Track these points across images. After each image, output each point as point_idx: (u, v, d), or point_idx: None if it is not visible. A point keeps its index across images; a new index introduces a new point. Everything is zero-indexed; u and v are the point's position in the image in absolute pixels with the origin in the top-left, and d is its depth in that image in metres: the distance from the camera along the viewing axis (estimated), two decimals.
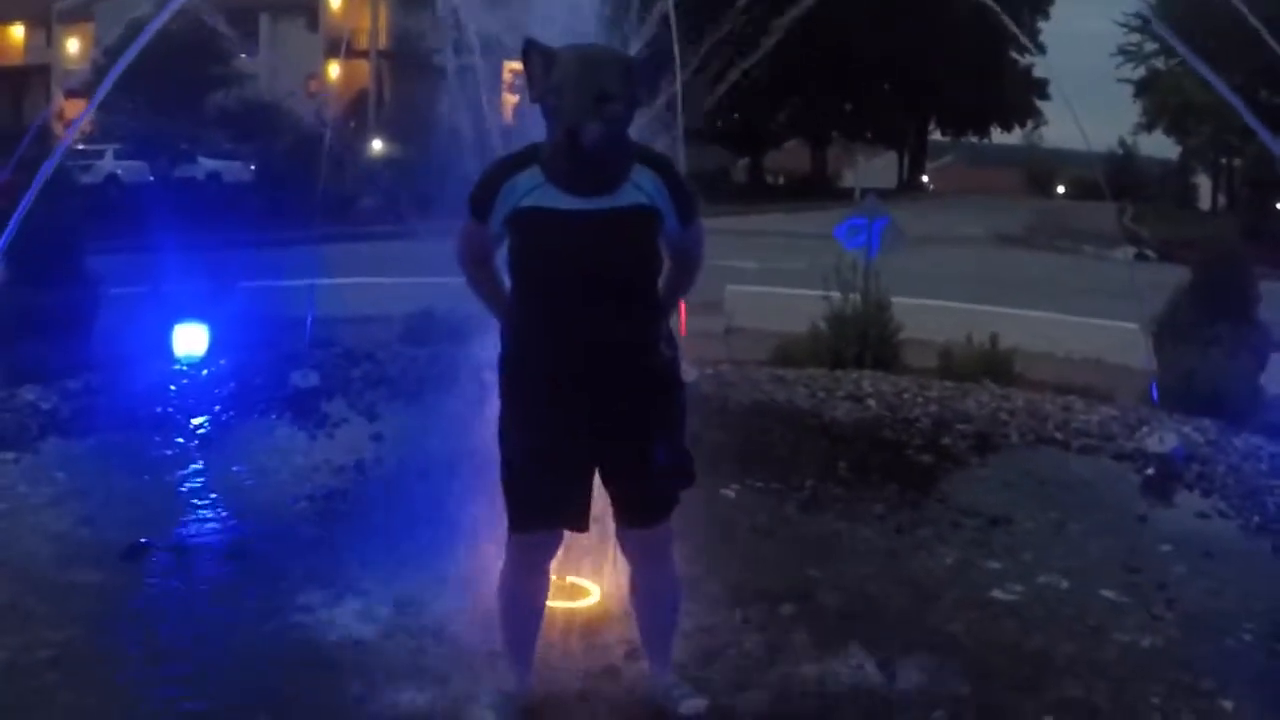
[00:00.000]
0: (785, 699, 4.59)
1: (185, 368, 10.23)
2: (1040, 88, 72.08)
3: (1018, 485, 8.00)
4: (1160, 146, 63.71)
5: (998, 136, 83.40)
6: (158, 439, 8.27)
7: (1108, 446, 8.87)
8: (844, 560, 6.28)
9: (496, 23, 5.84)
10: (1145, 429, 8.88)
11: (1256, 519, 7.27)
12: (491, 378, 4.30)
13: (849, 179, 64.93)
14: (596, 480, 4.24)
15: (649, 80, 4.08)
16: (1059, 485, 8.00)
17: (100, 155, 36.51)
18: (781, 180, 70.51)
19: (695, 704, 4.38)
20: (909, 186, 73.63)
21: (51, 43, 60.52)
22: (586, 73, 3.88)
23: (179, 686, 4.56)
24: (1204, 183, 69.18)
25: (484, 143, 5.61)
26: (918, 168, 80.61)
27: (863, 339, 11.34)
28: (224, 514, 6.75)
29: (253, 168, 37.18)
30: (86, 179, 32.98)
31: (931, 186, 79.39)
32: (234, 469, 7.70)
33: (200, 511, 6.81)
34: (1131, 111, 58.16)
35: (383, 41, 54.42)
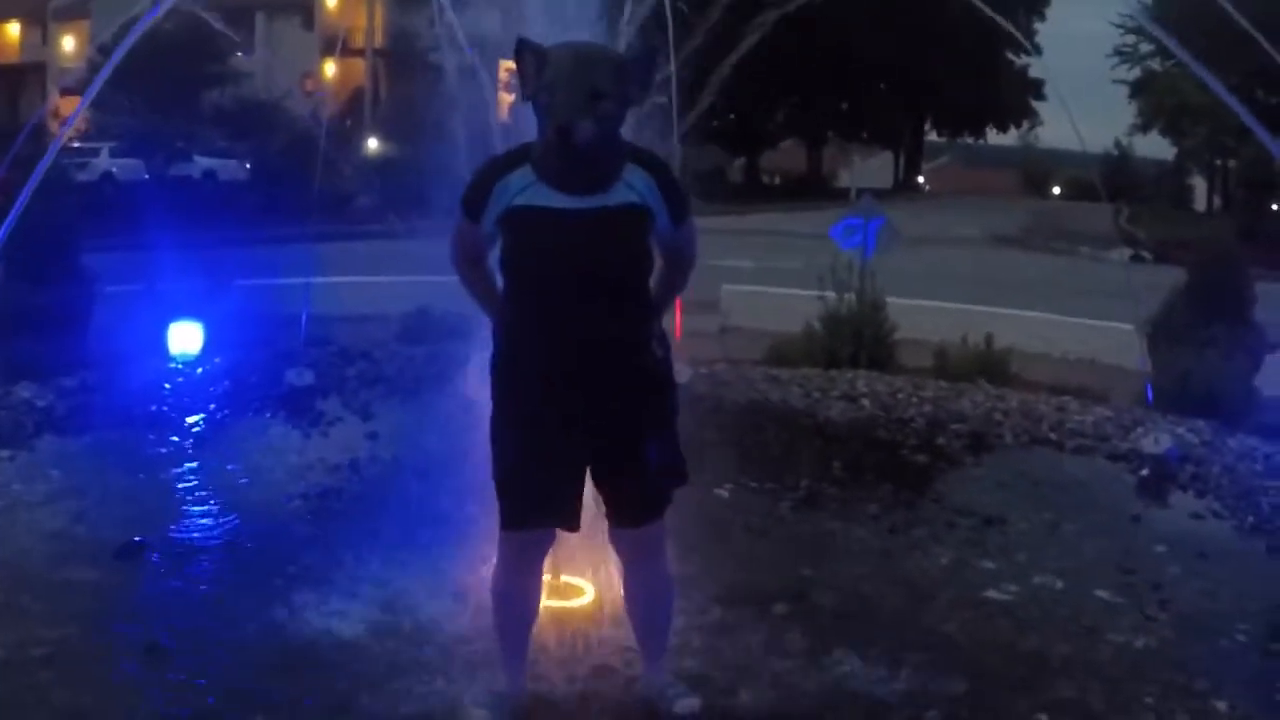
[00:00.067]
0: (780, 698, 4.60)
1: (180, 366, 10.23)
2: (1036, 88, 72.06)
3: (1012, 486, 8.00)
4: (1156, 147, 63.69)
5: (993, 137, 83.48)
6: (153, 437, 8.26)
7: (1102, 447, 8.87)
8: (838, 560, 6.28)
9: (492, 21, 5.84)
10: (1140, 430, 8.88)
11: (1251, 520, 7.27)
12: (485, 376, 4.30)
13: (845, 179, 64.87)
14: (588, 479, 4.24)
15: (641, 78, 4.07)
16: (1053, 486, 8.00)
17: (96, 153, 36.43)
18: (777, 180, 70.49)
19: (690, 703, 4.38)
20: (905, 187, 73.59)
21: (47, 40, 60.47)
22: (578, 71, 3.88)
23: (174, 685, 4.56)
24: (1199, 184, 69.18)
25: (480, 141, 5.60)
26: (913, 168, 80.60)
27: (858, 339, 11.34)
28: (219, 512, 6.74)
29: (248, 166, 37.16)
30: (82, 177, 32.91)
31: (927, 187, 79.37)
32: (229, 467, 7.69)
33: (195, 510, 6.81)
34: (1127, 112, 58.18)
35: (379, 40, 54.44)
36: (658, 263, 4.22)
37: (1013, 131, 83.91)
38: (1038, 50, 54.74)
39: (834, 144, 68.27)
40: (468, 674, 4.61)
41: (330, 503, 6.87)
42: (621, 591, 4.58)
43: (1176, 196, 65.58)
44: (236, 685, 4.57)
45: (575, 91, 3.84)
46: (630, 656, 4.68)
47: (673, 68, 6.79)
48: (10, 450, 7.77)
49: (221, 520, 6.62)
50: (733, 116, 55.71)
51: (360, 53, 54.81)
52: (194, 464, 7.72)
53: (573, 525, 4.28)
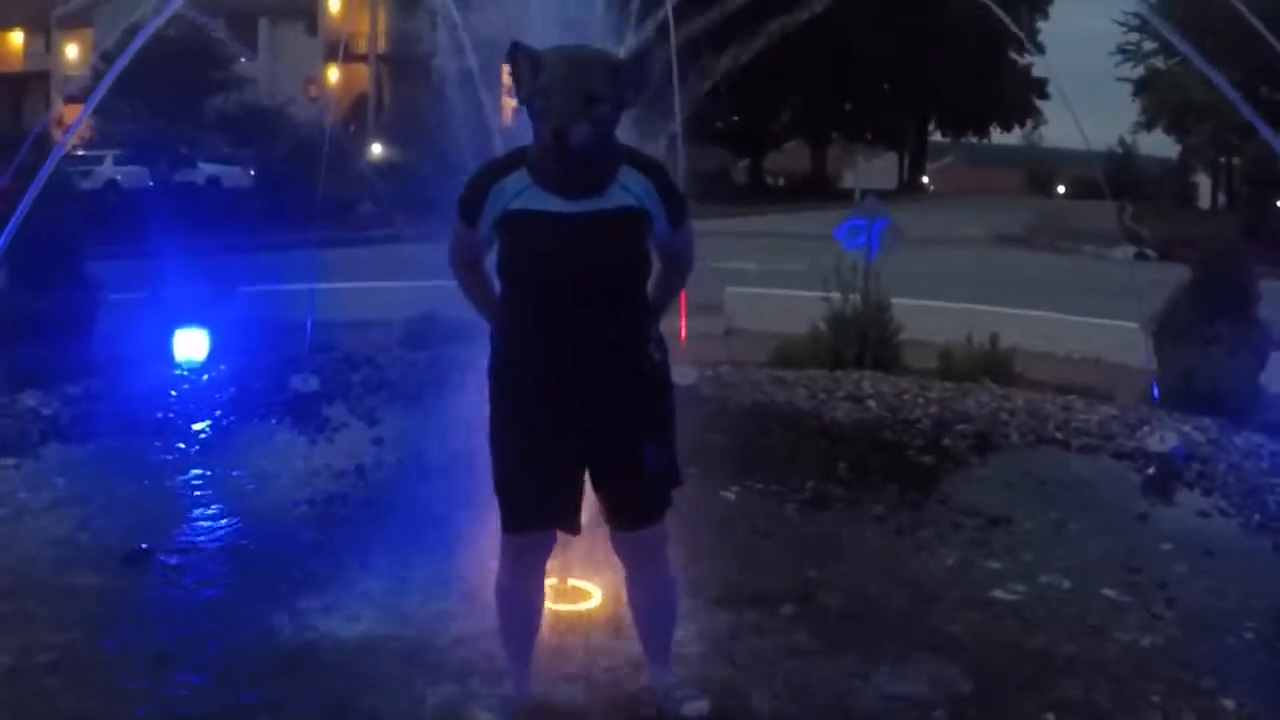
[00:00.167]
0: (787, 700, 4.59)
1: (185, 373, 10.23)
2: (1040, 87, 72.08)
3: (1018, 485, 7.99)
4: (1160, 145, 63.74)
5: (997, 137, 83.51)
6: (158, 444, 8.27)
7: (1108, 446, 8.86)
8: (845, 561, 6.28)
9: (495, 25, 5.84)
10: (1146, 428, 8.87)
11: (1257, 517, 7.26)
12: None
13: (849, 180, 64.99)
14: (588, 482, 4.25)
15: (636, 81, 4.06)
16: (1059, 485, 7.99)
17: (100, 161, 36.52)
18: (781, 181, 70.56)
19: (697, 706, 4.38)
20: (909, 187, 73.68)
21: (51, 49, 60.59)
22: (573, 74, 3.87)
23: (179, 691, 4.56)
24: (1204, 181, 69.14)
25: (483, 146, 5.60)
26: (918, 168, 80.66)
27: (863, 340, 11.33)
28: (224, 518, 6.74)
29: (252, 172, 37.22)
30: (86, 184, 32.96)
31: (932, 187, 79.42)
32: (234, 474, 7.70)
33: (200, 516, 6.80)
34: (1131, 110, 58.19)
35: (382, 45, 54.49)
36: (655, 266, 4.21)
37: (1017, 131, 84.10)
38: (1041, 49, 54.92)
39: (838, 145, 68.37)
40: (473, 677, 4.61)
41: (336, 508, 6.87)
42: (624, 594, 4.58)
43: (1181, 194, 65.57)
44: (242, 690, 4.57)
45: (570, 95, 3.83)
46: (637, 659, 4.67)
47: (675, 70, 6.81)
48: (16, 458, 7.77)
49: (227, 526, 6.62)
50: (737, 118, 55.80)
51: (363, 58, 54.87)
52: (199, 470, 7.72)
53: (572, 528, 4.29)
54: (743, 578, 5.78)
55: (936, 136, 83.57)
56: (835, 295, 11.52)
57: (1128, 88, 54.46)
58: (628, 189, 4.01)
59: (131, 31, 7.87)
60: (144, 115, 32.29)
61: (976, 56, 61.72)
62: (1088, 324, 13.36)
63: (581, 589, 5.26)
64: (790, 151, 71.36)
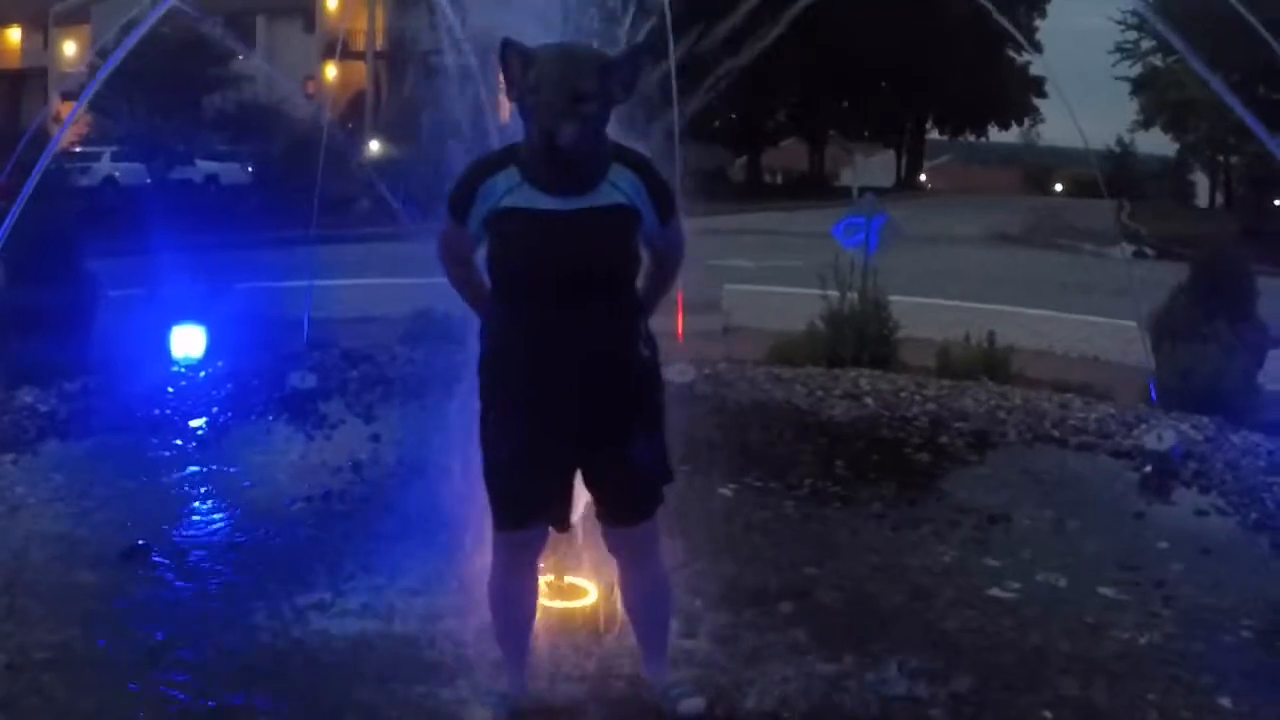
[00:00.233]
0: (784, 697, 4.59)
1: (183, 369, 10.23)
2: (1037, 85, 72.14)
3: (1015, 483, 7.99)
4: (1158, 144, 63.72)
5: (995, 135, 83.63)
6: (156, 441, 8.27)
7: (1105, 444, 8.87)
8: (842, 558, 6.28)
9: (493, 22, 5.83)
10: (1143, 426, 8.87)
11: (1254, 516, 7.26)
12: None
13: (846, 178, 64.93)
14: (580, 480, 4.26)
15: (626, 78, 4.06)
16: (1057, 483, 8.00)
17: (97, 158, 36.51)
18: (779, 179, 70.63)
19: (694, 703, 4.38)
20: (907, 185, 73.69)
21: (48, 45, 60.48)
22: (563, 72, 3.87)
23: (176, 688, 4.56)
24: (1202, 180, 69.25)
25: (481, 143, 5.60)
26: (915, 166, 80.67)
27: (860, 338, 11.33)
28: (222, 515, 6.75)
29: (250, 169, 37.19)
30: (84, 181, 33.02)
31: (929, 185, 79.49)
32: (231, 470, 7.70)
33: (198, 513, 6.81)
34: (1129, 109, 58.07)
35: (379, 42, 54.44)
36: (645, 262, 4.21)
37: (1014, 129, 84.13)
38: (1038, 47, 54.77)
39: (836, 143, 68.29)
40: (470, 674, 4.61)
41: (333, 505, 6.87)
42: (618, 591, 4.58)
43: (1179, 193, 65.71)
44: (239, 688, 4.57)
45: (559, 93, 3.83)
46: (634, 656, 4.67)
47: (673, 67, 6.80)
48: (13, 454, 7.77)
49: (224, 523, 6.63)
50: (734, 115, 55.77)
51: (361, 55, 54.83)
52: (197, 467, 7.72)
53: (563, 525, 4.30)
54: (740, 575, 5.78)
55: (934, 134, 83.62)
56: (833, 293, 11.51)
57: (1126, 86, 54.36)
58: (617, 186, 4.02)
59: (128, 28, 7.86)
60: (142, 112, 32.21)
61: (974, 54, 61.71)
62: (1085, 322, 13.37)
63: (578, 586, 5.25)
64: (788, 149, 71.40)
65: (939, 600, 5.72)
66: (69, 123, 9.75)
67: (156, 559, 5.95)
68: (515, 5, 5.25)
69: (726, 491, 7.27)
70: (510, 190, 4.00)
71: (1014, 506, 7.27)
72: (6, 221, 7.33)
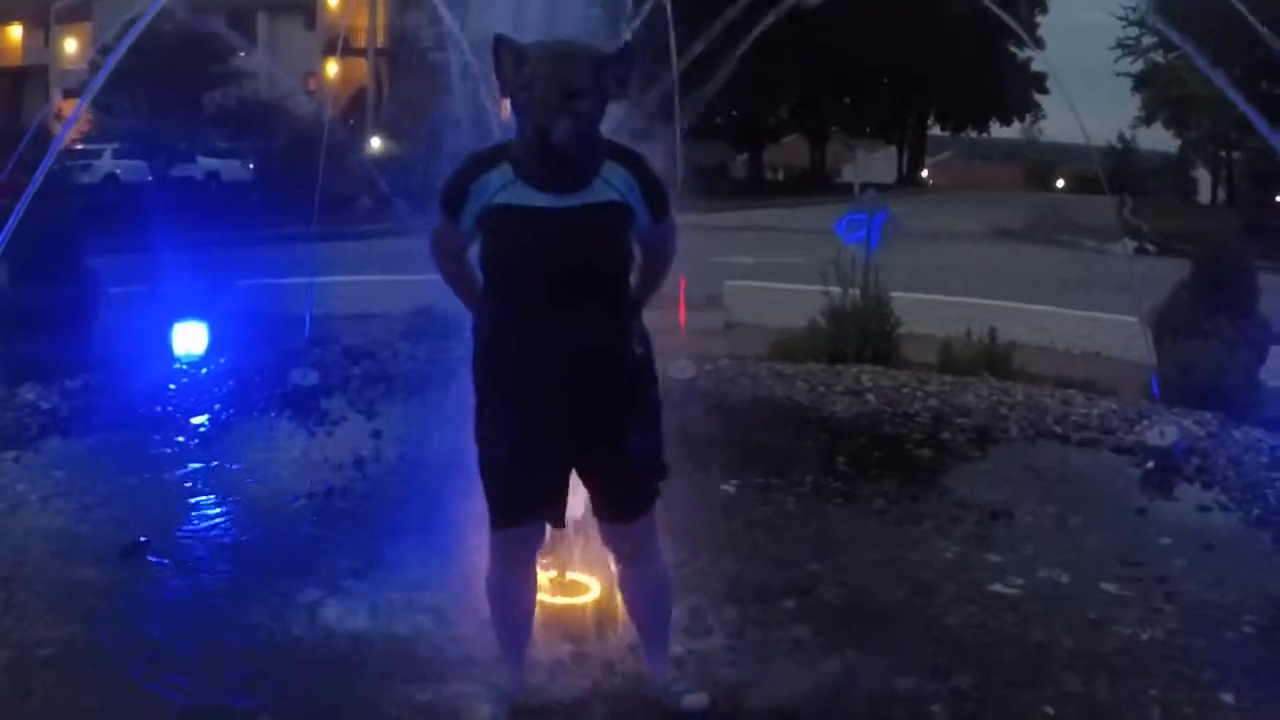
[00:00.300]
0: (786, 693, 4.59)
1: (185, 366, 10.23)
2: (1039, 82, 72.09)
3: (1017, 479, 7.99)
4: (1160, 140, 63.62)
5: (997, 131, 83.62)
6: (157, 438, 8.28)
7: (1107, 440, 8.86)
8: (844, 555, 6.28)
9: (493, 19, 5.83)
10: (1145, 422, 8.86)
11: (1257, 512, 7.25)
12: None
13: (848, 174, 64.91)
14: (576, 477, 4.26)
15: (620, 74, 4.05)
16: (1059, 479, 8.00)
17: (99, 155, 36.51)
18: (781, 175, 70.57)
19: (696, 699, 4.39)
20: (908, 181, 73.64)
21: (49, 43, 60.47)
22: (556, 69, 3.85)
23: (178, 685, 4.56)
24: (1203, 176, 69.17)
25: (481, 139, 5.59)
26: (917, 163, 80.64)
27: (862, 334, 11.32)
28: (223, 512, 6.75)
29: (251, 166, 37.19)
30: (85, 179, 33.05)
31: (931, 181, 79.45)
32: (233, 467, 7.71)
33: (200, 509, 6.81)
34: (1130, 105, 57.98)
35: (380, 39, 54.42)
36: (636, 258, 4.21)
37: (1016, 125, 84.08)
38: (1040, 43, 54.70)
39: (837, 139, 68.24)
40: (472, 671, 4.61)
41: (335, 501, 6.88)
42: (618, 588, 4.58)
43: (1181, 189, 65.64)
44: (240, 685, 4.58)
45: (552, 90, 3.81)
46: (635, 653, 4.67)
47: (674, 64, 6.79)
48: (15, 451, 7.78)
49: (226, 520, 6.63)
50: (735, 112, 55.75)
51: (362, 52, 54.79)
52: (199, 464, 7.73)
53: (557, 521, 4.30)
54: (743, 572, 5.77)
55: (936, 131, 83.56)
56: (835, 289, 11.51)
57: (1127, 82, 54.27)
58: (610, 183, 4.01)
59: (130, 25, 7.86)
60: (143, 109, 32.24)
61: (976, 50, 61.66)
62: (1087, 318, 13.36)
63: (580, 582, 5.25)
64: (789, 146, 71.39)
65: (941, 596, 5.72)
66: (72, 120, 9.74)
67: (158, 556, 5.95)
68: (516, 3, 5.26)
69: (729, 488, 7.27)
70: (503, 187, 3.99)
71: (1016, 502, 7.27)
72: (9, 220, 7.33)
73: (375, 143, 35.98)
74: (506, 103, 4.13)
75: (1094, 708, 4.64)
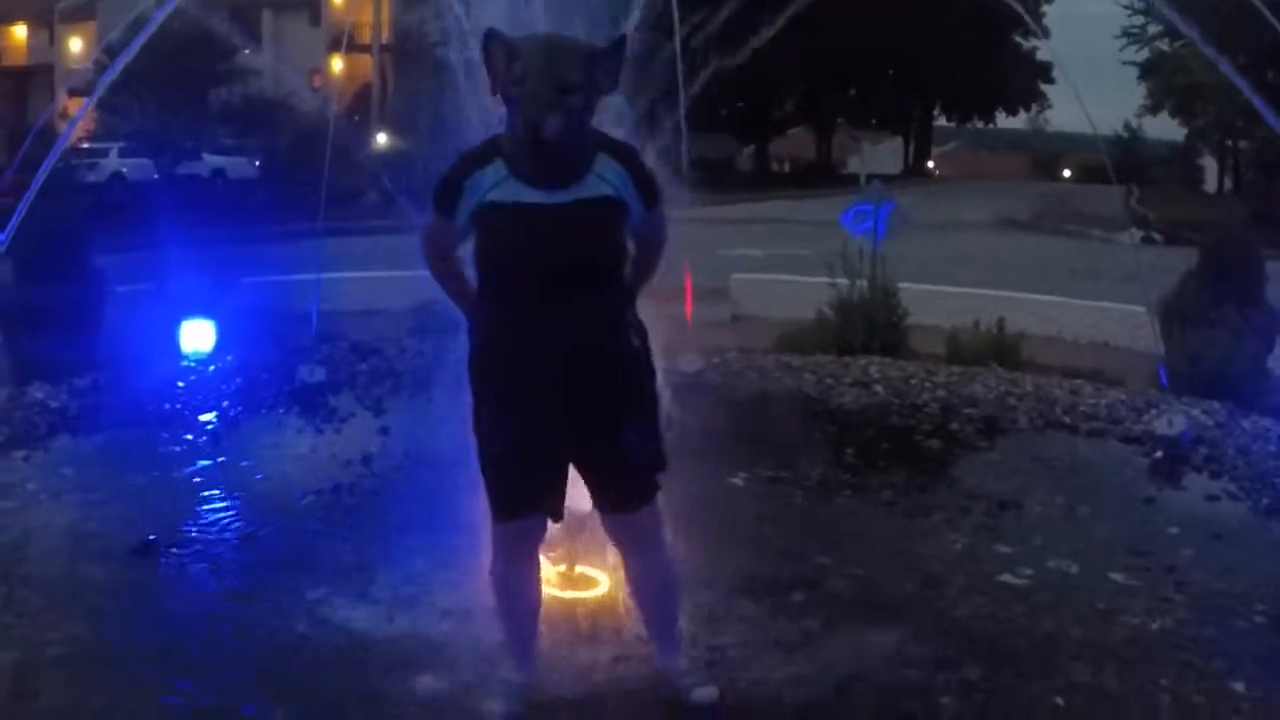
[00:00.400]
0: (796, 686, 4.59)
1: (192, 364, 10.24)
2: (1044, 71, 71.91)
3: (1026, 469, 7.98)
4: (1166, 129, 63.45)
5: (1003, 121, 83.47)
6: (165, 435, 8.28)
7: (1116, 430, 8.86)
8: (853, 546, 6.28)
9: (497, 14, 5.82)
10: (1153, 412, 8.86)
11: (1266, 501, 7.25)
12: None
13: (854, 165, 64.83)
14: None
15: (611, 68, 4.05)
16: (1067, 469, 8.00)
17: (105, 153, 36.55)
18: (787, 167, 70.52)
19: (706, 692, 4.39)
20: (915, 172, 73.57)
21: (54, 42, 60.54)
22: (547, 63, 3.85)
23: (188, 683, 4.57)
24: (1210, 165, 69.02)
25: (488, 134, 5.58)
26: (923, 153, 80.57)
27: (870, 325, 11.31)
28: (232, 509, 6.75)
29: (257, 164, 37.21)
30: (91, 177, 33.05)
31: (937, 172, 79.39)
32: (242, 464, 7.71)
33: (209, 507, 6.81)
34: (1136, 94, 57.80)
35: (385, 35, 54.40)
36: (630, 250, 4.21)
37: (1022, 115, 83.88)
38: (1046, 33, 54.57)
39: (843, 131, 68.21)
40: (480, 664, 4.61)
41: (344, 498, 6.88)
42: (626, 582, 4.58)
43: (1187, 178, 65.48)
44: (250, 681, 4.59)
45: (544, 85, 3.82)
46: (645, 646, 4.67)
47: (679, 57, 6.79)
48: (24, 450, 7.79)
49: (234, 517, 6.62)
50: (741, 104, 55.70)
51: (367, 48, 54.72)
52: (207, 462, 7.73)
53: (556, 515, 4.30)
54: (752, 564, 5.77)
55: (942, 121, 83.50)
56: (842, 281, 11.50)
57: (1133, 71, 54.04)
58: (603, 177, 4.01)
59: (134, 24, 7.86)
60: (149, 108, 32.24)
61: (981, 41, 61.56)
62: (1095, 308, 13.33)
63: (589, 576, 5.26)
64: (795, 138, 71.32)
65: (950, 587, 5.72)
66: (79, 119, 9.76)
67: (166, 553, 5.96)
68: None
69: (737, 481, 7.27)
70: (497, 184, 3.99)
71: (1025, 493, 7.27)
72: (14, 218, 7.34)
73: (381, 138, 36.00)
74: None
75: (1103, 697, 4.64)
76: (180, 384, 9.63)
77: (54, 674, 4.63)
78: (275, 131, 34.18)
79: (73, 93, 37.61)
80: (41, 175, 7.36)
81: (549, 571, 5.15)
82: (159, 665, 4.71)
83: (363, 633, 5.01)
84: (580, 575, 5.24)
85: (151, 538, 6.05)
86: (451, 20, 6.05)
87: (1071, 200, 45.13)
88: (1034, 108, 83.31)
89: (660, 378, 4.39)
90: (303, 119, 30.09)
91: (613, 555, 5.04)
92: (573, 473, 4.26)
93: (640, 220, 4.15)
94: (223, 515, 6.66)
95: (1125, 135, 73.47)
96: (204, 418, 8.81)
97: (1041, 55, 69.65)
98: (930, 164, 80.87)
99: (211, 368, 10.15)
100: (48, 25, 61.55)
